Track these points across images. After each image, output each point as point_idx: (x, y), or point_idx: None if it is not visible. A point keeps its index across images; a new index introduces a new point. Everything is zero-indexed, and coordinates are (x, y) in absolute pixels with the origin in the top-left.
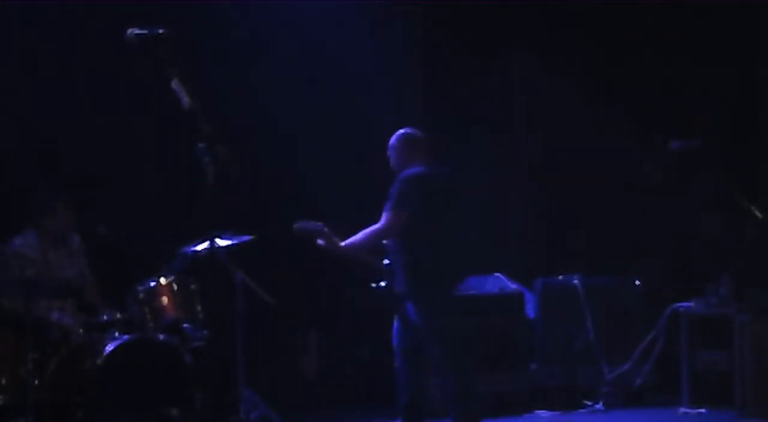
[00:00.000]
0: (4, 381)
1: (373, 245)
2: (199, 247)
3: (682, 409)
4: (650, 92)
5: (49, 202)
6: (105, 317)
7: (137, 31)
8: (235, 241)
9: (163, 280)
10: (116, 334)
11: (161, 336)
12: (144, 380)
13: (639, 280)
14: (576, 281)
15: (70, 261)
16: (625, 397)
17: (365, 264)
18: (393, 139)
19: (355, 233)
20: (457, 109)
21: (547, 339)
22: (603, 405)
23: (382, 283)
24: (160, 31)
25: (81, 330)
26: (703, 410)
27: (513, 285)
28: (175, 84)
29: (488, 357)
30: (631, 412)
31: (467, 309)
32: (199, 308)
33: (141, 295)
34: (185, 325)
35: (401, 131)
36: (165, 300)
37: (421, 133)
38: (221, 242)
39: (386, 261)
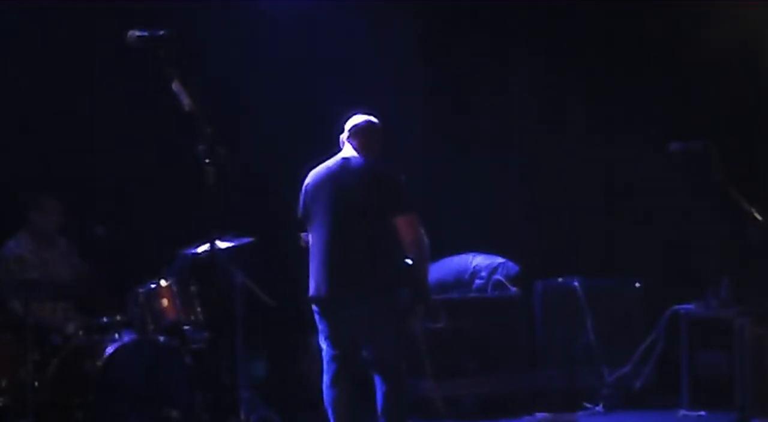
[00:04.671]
0: (4, 383)
1: None
2: (200, 249)
3: (682, 411)
4: (651, 92)
5: (37, 197)
6: (105, 319)
7: (138, 33)
8: (235, 243)
9: (163, 282)
10: (116, 336)
11: (161, 338)
12: (144, 382)
13: (639, 282)
14: (576, 283)
15: (63, 261)
16: (625, 399)
17: None
18: None
19: None
20: (457, 109)
21: (548, 341)
22: (603, 407)
23: None
24: (161, 32)
25: (81, 332)
26: (703, 412)
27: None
28: (175, 85)
29: (488, 359)
30: (631, 414)
31: (467, 310)
32: (199, 310)
33: (141, 297)
34: (185, 327)
35: None
36: (165, 302)
37: (361, 119)
38: (221, 244)
39: None
